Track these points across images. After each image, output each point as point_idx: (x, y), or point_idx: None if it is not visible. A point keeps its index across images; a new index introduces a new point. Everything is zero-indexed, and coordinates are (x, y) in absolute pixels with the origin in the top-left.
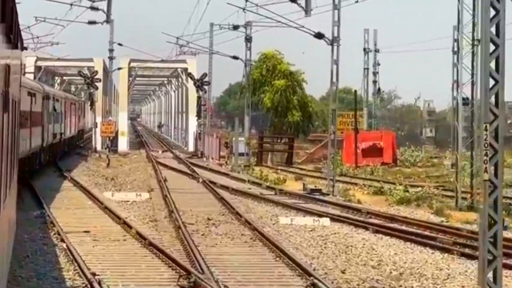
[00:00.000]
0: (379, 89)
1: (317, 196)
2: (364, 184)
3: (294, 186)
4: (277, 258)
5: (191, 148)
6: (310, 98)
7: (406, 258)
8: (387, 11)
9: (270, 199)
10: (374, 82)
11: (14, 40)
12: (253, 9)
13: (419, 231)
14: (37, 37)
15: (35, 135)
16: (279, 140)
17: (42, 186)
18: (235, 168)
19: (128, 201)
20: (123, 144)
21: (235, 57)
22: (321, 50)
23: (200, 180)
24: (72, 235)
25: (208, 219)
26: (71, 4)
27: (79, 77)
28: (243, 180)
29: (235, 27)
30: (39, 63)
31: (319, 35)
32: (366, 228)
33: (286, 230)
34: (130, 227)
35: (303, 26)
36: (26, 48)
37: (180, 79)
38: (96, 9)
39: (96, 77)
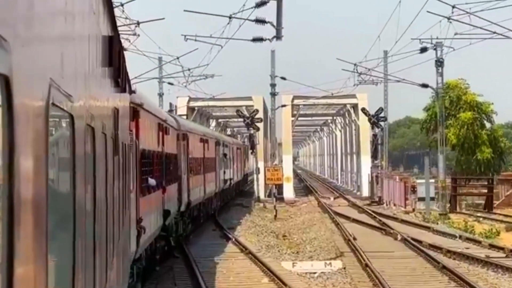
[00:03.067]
0: None
1: None
2: None
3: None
4: None
5: (365, 193)
6: (502, 132)
7: None
8: None
9: (496, 263)
10: None
11: (122, 83)
12: (462, 18)
13: None
14: (188, 69)
15: (209, 181)
16: (473, 182)
17: (199, 253)
18: (427, 217)
19: (315, 273)
20: (289, 190)
21: (424, 85)
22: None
23: (399, 237)
24: None
25: None
26: (230, 17)
27: (235, 118)
28: (451, 236)
29: (423, 50)
30: (192, 103)
31: None
32: None
33: None
34: None
35: None
36: (134, 92)
37: (348, 116)
38: (263, 21)
39: (257, 116)
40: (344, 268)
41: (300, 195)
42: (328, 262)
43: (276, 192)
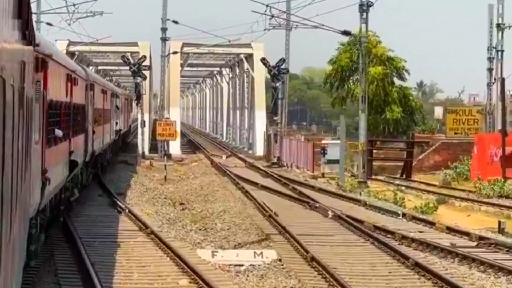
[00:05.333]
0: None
1: None
2: None
3: (452, 217)
4: None
5: (259, 152)
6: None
7: None
8: None
9: (480, 259)
10: (490, 70)
11: (29, 36)
12: None
13: None
14: (73, 5)
15: (106, 132)
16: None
17: (86, 230)
18: (342, 185)
19: (242, 265)
20: (175, 147)
21: (346, 33)
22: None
23: (330, 213)
24: None
25: None
26: None
27: (115, 66)
28: (390, 213)
29: None
30: (72, 48)
31: None
32: None
33: None
34: None
35: None
36: (38, 45)
37: (240, 67)
38: None
39: (144, 63)
40: (280, 260)
41: (187, 152)
42: (258, 252)
43: (169, 150)
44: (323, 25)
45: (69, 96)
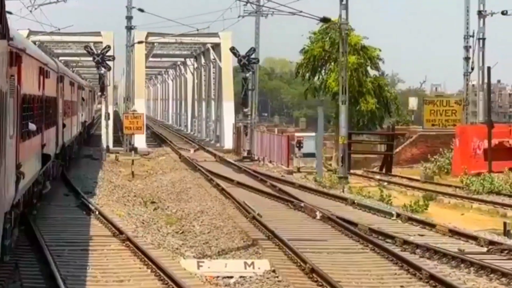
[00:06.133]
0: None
1: None
2: None
3: (445, 216)
4: None
5: (227, 145)
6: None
7: None
8: None
9: (501, 270)
10: (467, 59)
11: (3, 31)
12: None
13: None
14: None
15: (74, 124)
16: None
17: (53, 236)
18: (320, 181)
19: (231, 278)
20: (141, 140)
21: (325, 19)
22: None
23: (318, 214)
24: None
25: None
26: None
27: (77, 57)
28: (383, 213)
29: None
30: (32, 38)
31: None
32: None
33: None
34: None
35: None
36: (12, 39)
37: (205, 57)
38: None
39: (108, 53)
40: (274, 271)
41: (153, 145)
42: (248, 262)
43: (134, 144)
44: (301, 11)
45: (42, 89)
